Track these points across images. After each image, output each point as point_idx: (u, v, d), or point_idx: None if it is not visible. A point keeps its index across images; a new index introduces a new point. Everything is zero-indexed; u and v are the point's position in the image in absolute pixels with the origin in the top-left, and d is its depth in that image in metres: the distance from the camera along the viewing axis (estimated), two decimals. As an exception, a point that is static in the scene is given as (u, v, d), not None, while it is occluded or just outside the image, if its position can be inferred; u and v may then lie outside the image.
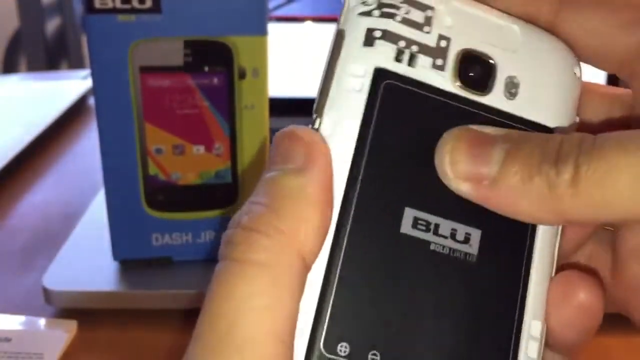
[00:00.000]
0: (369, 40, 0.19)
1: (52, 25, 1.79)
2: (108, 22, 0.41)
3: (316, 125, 0.19)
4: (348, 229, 0.19)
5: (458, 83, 0.20)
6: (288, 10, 0.76)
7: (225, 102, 0.44)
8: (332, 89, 0.19)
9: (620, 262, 0.21)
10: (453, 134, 0.19)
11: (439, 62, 0.20)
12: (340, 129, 0.19)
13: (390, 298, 0.19)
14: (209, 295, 0.18)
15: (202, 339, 0.17)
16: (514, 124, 0.20)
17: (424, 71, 0.19)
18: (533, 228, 0.20)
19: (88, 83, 0.88)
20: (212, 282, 0.18)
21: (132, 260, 0.47)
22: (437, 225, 0.19)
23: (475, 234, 0.20)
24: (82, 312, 0.45)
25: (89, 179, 0.66)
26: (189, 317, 0.45)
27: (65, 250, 0.49)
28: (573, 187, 0.18)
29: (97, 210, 0.55)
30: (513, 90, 0.20)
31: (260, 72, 0.44)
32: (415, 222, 0.19)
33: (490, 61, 0.20)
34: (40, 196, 0.63)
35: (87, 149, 0.74)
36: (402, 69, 0.19)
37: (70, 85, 0.88)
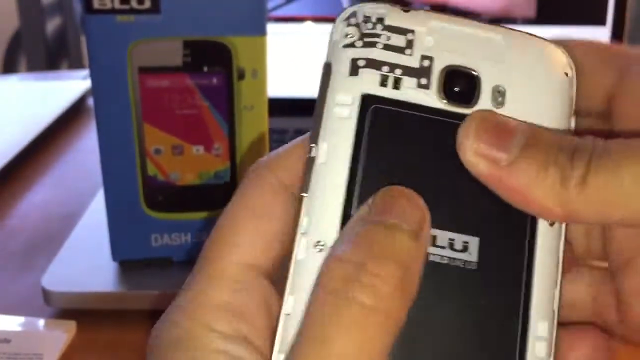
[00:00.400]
0: (354, 70, 0.20)
1: (52, 25, 1.79)
2: (107, 22, 0.41)
3: (312, 154, 0.20)
4: None
5: (444, 99, 0.20)
6: (288, 10, 0.76)
7: (225, 102, 0.44)
8: (324, 118, 0.20)
9: (624, 303, 0.22)
10: (479, 115, 0.20)
11: (424, 81, 0.20)
12: (334, 155, 0.20)
13: None
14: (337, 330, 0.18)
15: None
16: None
17: (409, 92, 0.20)
18: (532, 231, 0.20)
19: (88, 83, 0.88)
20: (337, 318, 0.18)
21: (131, 261, 0.47)
22: (434, 237, 0.20)
23: (473, 242, 0.20)
24: (82, 312, 0.45)
25: (88, 179, 0.66)
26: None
27: (65, 250, 0.49)
28: (583, 182, 0.18)
29: (97, 210, 0.55)
30: (500, 99, 0.21)
31: (259, 73, 0.43)
32: None
33: (474, 73, 0.21)
34: (40, 196, 0.63)
35: (87, 149, 0.74)
36: (387, 92, 0.20)
37: (70, 85, 0.88)
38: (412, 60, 0.20)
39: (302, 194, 0.20)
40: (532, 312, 0.20)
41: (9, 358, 0.41)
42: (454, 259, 0.20)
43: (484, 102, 0.20)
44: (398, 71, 0.20)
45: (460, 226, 0.20)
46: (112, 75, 0.42)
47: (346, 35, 0.21)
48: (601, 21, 0.77)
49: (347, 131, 0.20)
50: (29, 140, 0.71)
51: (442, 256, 0.20)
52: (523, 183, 0.19)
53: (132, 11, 0.41)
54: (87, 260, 0.48)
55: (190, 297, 0.20)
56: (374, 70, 0.20)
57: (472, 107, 0.20)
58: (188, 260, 0.47)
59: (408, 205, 0.19)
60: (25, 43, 1.69)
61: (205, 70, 0.43)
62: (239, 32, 0.42)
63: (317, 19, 0.75)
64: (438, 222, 0.20)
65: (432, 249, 0.20)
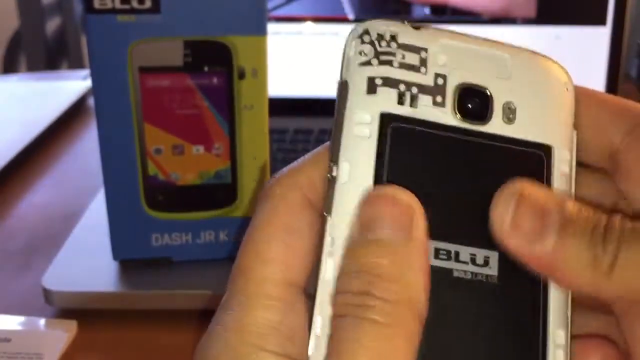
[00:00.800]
0: (372, 88, 0.20)
1: (52, 25, 1.79)
2: (107, 22, 0.41)
3: (334, 173, 0.20)
4: None
5: (459, 116, 0.21)
6: (288, 10, 0.76)
7: (225, 102, 0.44)
8: (343, 137, 0.20)
9: (634, 353, 0.22)
10: (514, 192, 0.20)
11: (439, 99, 0.21)
12: (356, 174, 0.20)
13: (425, 324, 0.19)
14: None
15: None
16: (516, 147, 0.21)
17: (426, 110, 0.21)
18: None
19: (88, 83, 0.88)
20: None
21: (131, 261, 0.47)
22: (457, 253, 0.20)
23: (493, 256, 0.21)
24: (82, 312, 0.45)
25: (89, 179, 0.66)
26: (188, 317, 0.45)
27: (65, 250, 0.49)
28: (613, 265, 0.19)
29: (97, 210, 0.55)
30: (511, 116, 0.21)
31: (259, 72, 0.43)
32: (437, 253, 0.20)
33: (486, 91, 0.21)
34: (40, 196, 0.63)
35: (87, 149, 0.74)
36: (405, 110, 0.21)
37: (70, 85, 0.88)
38: (427, 79, 0.21)
39: (326, 214, 0.20)
40: (550, 320, 0.21)
41: (9, 357, 0.41)
42: (477, 273, 0.20)
43: (497, 118, 0.21)
44: (414, 89, 0.21)
45: (480, 242, 0.20)
46: (112, 75, 0.42)
47: (361, 52, 0.21)
48: (601, 21, 0.77)
49: (368, 150, 0.20)
50: (29, 140, 0.71)
51: (466, 271, 0.20)
52: (557, 263, 0.20)
53: (133, 11, 0.41)
54: (87, 260, 0.48)
55: (236, 317, 0.20)
56: (391, 89, 0.21)
57: (486, 123, 0.21)
58: (188, 260, 0.47)
59: (390, 209, 0.19)
60: (25, 43, 1.69)
61: (205, 70, 0.43)
62: (239, 31, 0.42)
63: (317, 19, 0.75)
64: (460, 238, 0.20)
65: (455, 265, 0.20)
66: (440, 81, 0.21)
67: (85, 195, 0.62)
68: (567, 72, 0.22)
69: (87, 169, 0.69)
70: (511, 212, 0.20)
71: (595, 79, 0.79)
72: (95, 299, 0.45)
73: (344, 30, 0.75)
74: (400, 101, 0.20)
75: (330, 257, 0.19)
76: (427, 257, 0.19)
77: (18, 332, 0.43)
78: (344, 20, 0.75)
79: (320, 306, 0.19)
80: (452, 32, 0.22)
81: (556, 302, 0.21)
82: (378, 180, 0.20)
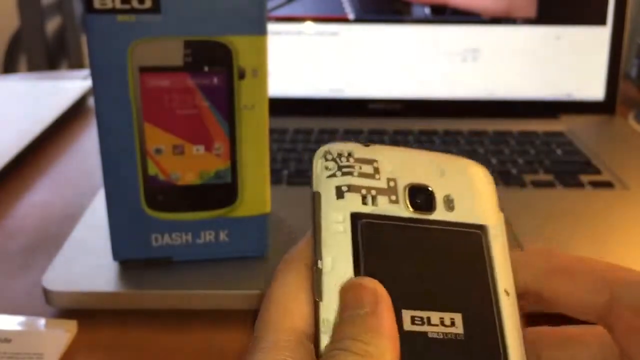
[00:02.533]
0: (340, 194, 0.26)
1: (52, 25, 1.79)
2: (107, 22, 0.41)
3: (319, 265, 0.25)
4: None
5: (411, 209, 0.26)
6: (288, 10, 0.76)
7: (225, 102, 0.44)
8: (322, 235, 0.25)
9: None
10: None
11: (393, 197, 0.26)
12: (338, 265, 0.25)
13: None
14: None
15: None
16: (459, 228, 0.26)
17: (385, 207, 0.26)
18: (495, 300, 0.25)
19: (88, 83, 0.88)
20: None
21: (132, 261, 0.47)
22: (429, 318, 0.24)
23: (458, 317, 0.25)
24: (82, 312, 0.45)
25: (89, 179, 0.66)
26: (188, 317, 0.45)
27: (65, 250, 0.49)
28: None
29: (97, 210, 0.55)
30: (451, 205, 0.27)
31: (260, 72, 0.44)
32: (413, 319, 0.24)
33: (428, 188, 0.27)
34: (40, 196, 0.63)
35: (87, 149, 0.74)
36: (369, 209, 0.26)
37: (70, 85, 0.88)
38: (381, 183, 0.26)
39: (318, 300, 0.24)
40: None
41: (9, 358, 0.41)
42: (446, 333, 0.24)
43: (440, 208, 0.26)
44: (373, 192, 0.26)
45: (445, 306, 0.25)
46: (112, 75, 0.42)
47: (327, 167, 0.26)
48: (601, 21, 0.77)
49: (345, 243, 0.25)
50: (29, 140, 0.71)
51: (438, 332, 0.24)
52: None
53: (133, 11, 0.41)
54: (87, 260, 0.48)
55: (262, 358, 0.24)
56: (355, 194, 0.26)
57: (432, 212, 0.26)
58: (188, 260, 0.47)
59: (361, 293, 0.24)
60: (25, 43, 1.69)
61: (205, 70, 0.43)
62: (239, 31, 0.42)
63: (317, 19, 0.75)
64: (429, 305, 0.25)
65: (429, 328, 0.24)
66: (392, 184, 0.26)
67: (85, 195, 0.62)
68: (484, 168, 0.28)
69: (87, 169, 0.69)
70: None
71: (595, 79, 0.79)
72: (95, 299, 0.45)
73: (344, 30, 0.75)
74: (364, 202, 0.26)
75: (324, 334, 0.24)
76: (392, 325, 0.23)
77: (18, 332, 0.43)
78: (344, 20, 0.75)
79: None
80: (392, 146, 0.28)
81: (514, 348, 0.25)
82: (356, 265, 0.25)
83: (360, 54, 0.76)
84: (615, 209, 0.56)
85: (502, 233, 0.27)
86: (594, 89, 0.79)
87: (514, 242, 0.50)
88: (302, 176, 0.62)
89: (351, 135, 0.72)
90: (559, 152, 0.69)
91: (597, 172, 0.64)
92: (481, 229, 0.27)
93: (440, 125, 0.75)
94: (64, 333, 0.43)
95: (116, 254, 0.47)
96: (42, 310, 0.46)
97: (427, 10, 0.76)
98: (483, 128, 0.74)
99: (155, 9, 0.41)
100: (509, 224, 0.27)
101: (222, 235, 0.47)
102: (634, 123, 0.79)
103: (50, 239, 0.55)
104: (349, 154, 0.27)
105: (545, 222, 0.53)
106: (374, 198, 0.26)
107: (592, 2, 0.77)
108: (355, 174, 0.26)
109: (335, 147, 0.27)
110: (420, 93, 0.78)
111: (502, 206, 0.28)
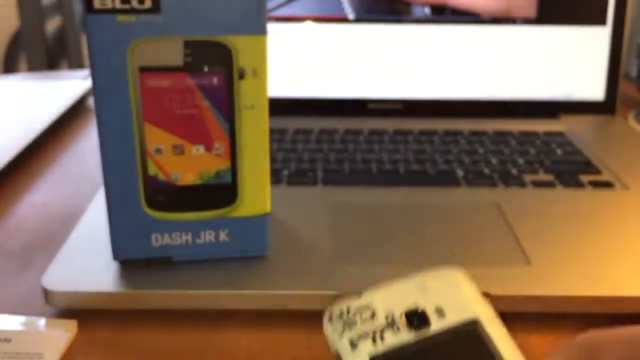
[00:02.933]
0: (354, 346, 0.30)
1: (52, 25, 1.79)
2: (107, 22, 0.41)
3: None
4: None
5: (412, 332, 0.30)
6: (288, 10, 0.76)
7: (225, 102, 0.44)
8: None
9: None
10: None
11: (395, 328, 0.30)
12: None
13: None
14: None
15: None
16: (456, 329, 0.30)
17: (392, 339, 0.30)
18: None
19: (88, 83, 0.89)
20: None
21: (132, 261, 0.47)
22: None
23: None
24: (82, 312, 0.45)
25: (88, 179, 0.66)
26: (188, 317, 0.46)
27: (65, 250, 0.49)
28: None
29: (97, 210, 0.55)
30: (442, 313, 0.31)
31: (259, 72, 0.44)
32: None
33: (420, 309, 0.31)
34: (40, 196, 0.63)
35: (87, 149, 0.74)
36: (380, 346, 0.30)
37: (70, 85, 0.88)
38: (381, 321, 0.31)
39: None
40: None
41: (9, 357, 0.41)
42: None
43: (434, 320, 0.30)
44: (378, 331, 0.30)
45: None
46: (112, 75, 0.42)
47: (335, 329, 0.31)
48: (601, 21, 0.77)
49: None
50: (29, 140, 0.71)
51: None
52: None
53: (133, 11, 0.41)
54: (87, 260, 0.48)
55: None
56: (365, 340, 0.30)
57: (430, 326, 0.30)
58: (188, 260, 0.47)
59: None
60: (25, 43, 1.69)
61: (205, 70, 0.43)
62: (239, 31, 0.42)
63: (317, 19, 0.75)
64: None
65: None
66: (390, 318, 0.31)
67: (85, 195, 0.62)
68: (458, 268, 0.33)
69: (86, 169, 0.69)
70: None
71: (595, 79, 0.79)
72: (95, 299, 0.45)
73: (344, 30, 0.75)
74: (374, 341, 0.30)
75: None
76: None
77: (18, 332, 0.43)
78: (344, 20, 0.75)
79: None
80: (379, 286, 0.32)
81: None
82: None
83: (360, 54, 0.76)
84: (615, 209, 0.56)
85: (493, 316, 0.30)
86: (594, 89, 0.79)
87: (514, 241, 0.50)
88: (302, 176, 0.62)
89: (351, 135, 0.72)
90: (559, 152, 0.69)
91: (597, 172, 0.64)
92: (476, 322, 0.30)
93: (440, 125, 0.75)
94: (64, 333, 0.43)
95: (116, 254, 0.47)
96: (42, 310, 0.46)
97: (427, 10, 0.76)
98: (483, 128, 0.74)
99: (155, 9, 0.41)
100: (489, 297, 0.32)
101: (223, 235, 0.47)
102: (634, 123, 0.79)
103: (50, 239, 0.55)
104: (348, 309, 0.31)
105: (545, 222, 0.53)
106: (381, 336, 0.30)
107: (592, 2, 0.77)
108: (359, 323, 0.31)
109: (335, 308, 0.31)
110: (420, 93, 0.78)
111: (485, 291, 0.32)
